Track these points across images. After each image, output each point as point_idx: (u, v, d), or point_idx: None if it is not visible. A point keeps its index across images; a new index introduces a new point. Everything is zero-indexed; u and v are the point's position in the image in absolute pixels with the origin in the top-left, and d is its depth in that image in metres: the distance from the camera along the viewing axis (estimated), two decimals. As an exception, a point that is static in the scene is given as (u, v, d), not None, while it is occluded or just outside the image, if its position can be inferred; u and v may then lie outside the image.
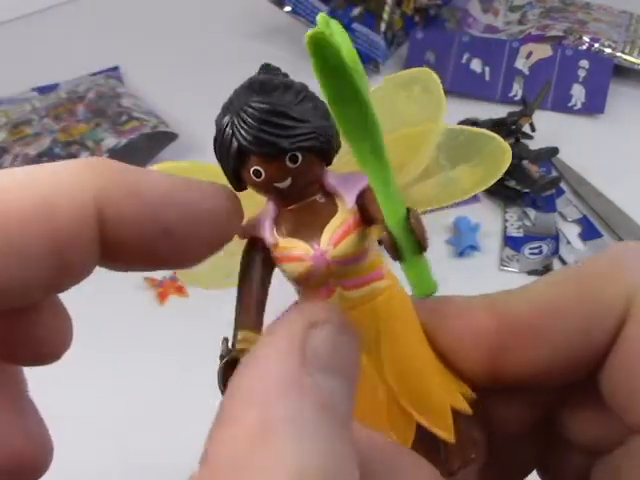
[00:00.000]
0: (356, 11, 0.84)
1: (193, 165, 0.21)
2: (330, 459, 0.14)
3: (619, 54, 0.78)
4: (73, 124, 0.71)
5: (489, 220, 0.62)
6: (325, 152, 0.18)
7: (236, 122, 0.17)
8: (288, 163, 0.17)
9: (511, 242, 0.60)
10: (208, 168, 0.20)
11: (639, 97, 0.77)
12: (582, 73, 0.76)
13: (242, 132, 0.17)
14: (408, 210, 0.17)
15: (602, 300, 0.19)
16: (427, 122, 0.21)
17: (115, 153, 0.66)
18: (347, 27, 0.82)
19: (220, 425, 0.14)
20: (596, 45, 0.79)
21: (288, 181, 0.18)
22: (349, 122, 0.16)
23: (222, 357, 0.18)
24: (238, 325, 0.18)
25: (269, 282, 0.19)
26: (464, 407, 0.20)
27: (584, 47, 0.79)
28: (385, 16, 0.82)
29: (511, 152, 0.21)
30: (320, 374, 0.15)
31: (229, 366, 0.17)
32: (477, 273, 0.58)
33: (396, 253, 0.17)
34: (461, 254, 0.59)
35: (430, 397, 0.20)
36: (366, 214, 0.18)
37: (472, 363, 0.20)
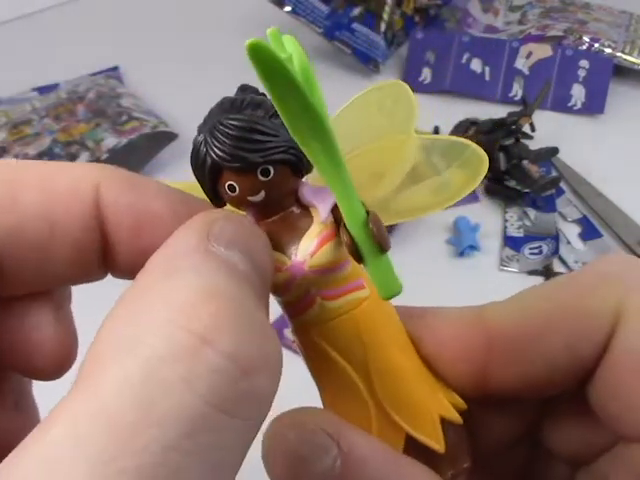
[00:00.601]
0: (356, 11, 0.84)
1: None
2: (238, 297, 0.14)
3: (619, 54, 0.78)
4: (73, 124, 0.71)
5: (489, 220, 0.62)
6: (296, 164, 0.18)
7: (209, 140, 0.18)
8: (260, 177, 0.18)
9: (511, 242, 0.60)
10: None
11: (639, 97, 0.77)
12: (582, 73, 0.76)
13: (214, 149, 0.18)
14: (367, 213, 0.17)
15: (589, 313, 0.19)
16: (399, 134, 0.21)
17: (115, 153, 0.66)
18: (347, 27, 0.83)
19: (137, 277, 0.15)
20: (596, 45, 0.79)
21: (262, 194, 0.18)
22: (297, 125, 0.16)
23: None
24: None
25: None
26: (454, 417, 0.20)
27: (584, 47, 0.79)
28: (385, 16, 0.82)
29: (487, 157, 0.20)
30: (223, 247, 0.15)
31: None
32: (477, 273, 0.58)
33: (357, 255, 0.17)
34: (461, 254, 0.59)
35: (419, 407, 0.20)
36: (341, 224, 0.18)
37: (460, 375, 0.20)
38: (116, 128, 0.69)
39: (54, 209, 0.17)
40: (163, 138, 0.70)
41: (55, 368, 0.19)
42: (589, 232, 0.61)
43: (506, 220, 0.62)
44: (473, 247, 0.59)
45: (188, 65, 0.86)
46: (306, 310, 0.19)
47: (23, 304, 0.18)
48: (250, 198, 0.18)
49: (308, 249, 0.18)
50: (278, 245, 0.18)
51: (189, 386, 0.13)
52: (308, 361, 0.20)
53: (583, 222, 0.62)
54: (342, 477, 0.17)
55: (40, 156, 0.67)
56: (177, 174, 0.64)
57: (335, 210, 0.18)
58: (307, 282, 0.18)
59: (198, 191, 0.19)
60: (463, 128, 0.67)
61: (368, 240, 0.17)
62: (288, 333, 0.53)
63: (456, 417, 0.20)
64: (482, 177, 0.20)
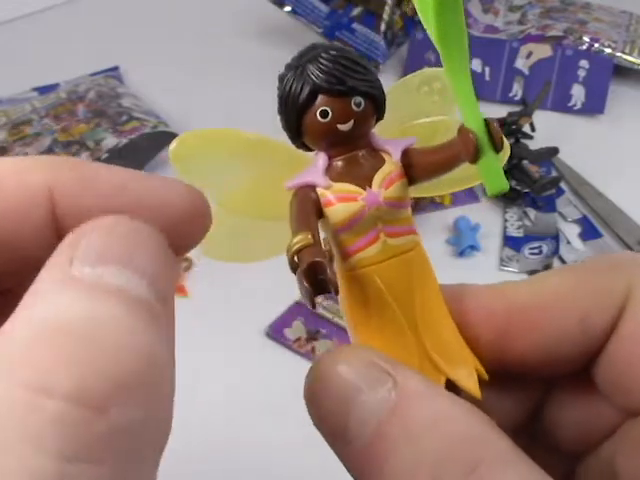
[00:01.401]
0: (356, 11, 0.84)
1: (210, 133, 0.21)
2: (88, 315, 0.13)
3: (619, 54, 0.78)
4: (73, 124, 0.71)
5: (489, 220, 0.62)
6: (381, 105, 0.20)
7: (309, 67, 0.19)
8: (353, 106, 0.19)
9: (511, 242, 0.60)
10: (243, 135, 0.21)
11: (639, 97, 0.77)
12: (582, 73, 0.76)
13: (317, 72, 0.19)
14: (485, 119, 0.19)
15: (603, 287, 0.20)
16: (443, 114, 0.23)
17: (115, 153, 0.66)
18: (347, 27, 0.83)
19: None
20: (596, 45, 0.79)
21: (351, 123, 0.19)
22: (449, 28, 0.18)
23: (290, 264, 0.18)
24: (294, 234, 0.19)
25: (318, 223, 0.20)
26: (483, 373, 0.20)
27: (584, 47, 0.79)
28: (385, 16, 0.82)
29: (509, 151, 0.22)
30: (90, 267, 0.14)
31: (294, 265, 0.18)
32: (477, 273, 0.58)
33: (476, 151, 0.18)
34: (461, 254, 0.59)
35: (459, 355, 0.20)
36: (409, 170, 0.20)
37: (481, 342, 0.21)
38: (116, 128, 0.69)
39: (3, 224, 0.16)
40: (163, 138, 0.70)
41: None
42: (589, 232, 0.61)
43: (506, 220, 0.62)
44: (473, 247, 0.59)
45: (188, 65, 0.86)
46: (369, 246, 0.20)
47: None
48: (340, 126, 0.19)
49: (383, 182, 0.19)
50: (351, 177, 0.19)
51: (32, 445, 0.12)
52: (354, 304, 0.20)
53: (583, 222, 0.62)
54: (395, 410, 0.17)
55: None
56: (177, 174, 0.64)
57: (404, 158, 0.20)
58: (377, 215, 0.19)
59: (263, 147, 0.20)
60: (463, 128, 0.67)
61: (486, 139, 0.18)
62: (289, 333, 0.53)
63: (484, 374, 0.20)
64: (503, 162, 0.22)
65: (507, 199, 0.64)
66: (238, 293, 0.56)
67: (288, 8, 0.83)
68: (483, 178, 0.19)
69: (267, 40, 0.89)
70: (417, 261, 0.20)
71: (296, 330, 0.53)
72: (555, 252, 0.58)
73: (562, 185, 0.65)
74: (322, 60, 0.19)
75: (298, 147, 0.20)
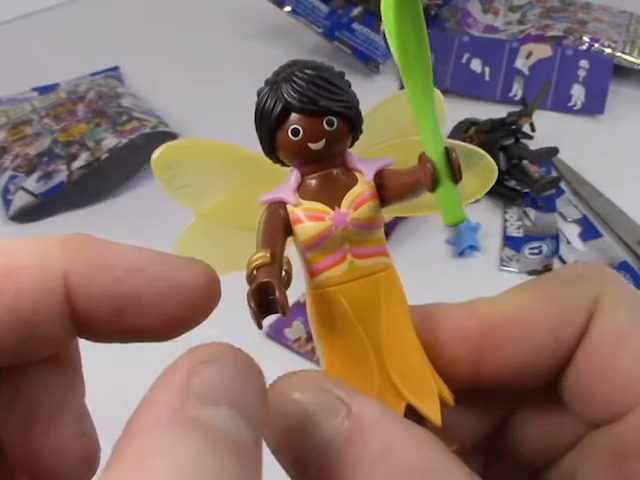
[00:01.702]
0: (356, 11, 0.84)
1: (193, 143, 0.22)
2: (212, 471, 0.14)
3: (619, 54, 0.78)
4: (73, 124, 0.71)
5: (489, 220, 0.62)
6: (356, 126, 0.20)
7: (283, 85, 0.19)
8: (325, 125, 0.19)
9: (511, 242, 0.60)
10: (226, 147, 0.21)
11: (639, 97, 0.77)
12: (582, 73, 0.76)
13: (290, 91, 0.19)
14: (445, 147, 0.19)
15: (571, 300, 0.20)
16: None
17: (115, 153, 0.66)
18: (347, 27, 0.83)
19: (109, 459, 0.15)
20: (596, 45, 0.79)
21: (322, 143, 0.19)
22: (409, 53, 0.18)
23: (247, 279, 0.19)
24: (256, 250, 0.19)
25: (286, 240, 0.20)
26: (449, 398, 0.20)
27: (584, 47, 0.79)
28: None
29: (497, 170, 0.22)
30: (207, 408, 0.15)
31: (250, 285, 0.18)
32: (477, 273, 0.58)
33: (434, 181, 0.18)
34: (461, 254, 0.59)
35: (422, 380, 0.20)
36: (382, 191, 0.20)
37: (454, 363, 0.21)
38: (116, 128, 0.69)
39: (21, 309, 0.16)
40: (163, 138, 0.70)
41: (78, 476, 0.19)
42: (589, 232, 0.61)
43: (506, 220, 0.62)
44: (473, 247, 0.59)
45: (188, 65, 0.86)
46: (334, 266, 0.20)
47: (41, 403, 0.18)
48: (311, 145, 0.19)
49: (353, 202, 0.19)
50: (322, 196, 0.19)
51: None
52: (319, 321, 0.20)
53: (583, 222, 0.62)
54: (349, 440, 0.17)
55: (40, 156, 0.67)
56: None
57: (377, 178, 0.20)
58: (344, 235, 0.19)
59: (208, 149, 0.20)
60: (463, 128, 0.67)
61: (446, 168, 0.18)
62: (289, 333, 0.53)
63: (450, 399, 0.20)
64: (490, 186, 0.22)
65: (507, 199, 0.64)
66: (238, 293, 0.56)
67: (288, 8, 0.83)
68: (440, 207, 0.19)
69: (267, 40, 0.89)
70: (386, 283, 0.20)
71: (296, 330, 0.53)
72: (555, 252, 0.58)
73: (562, 185, 0.65)
74: (296, 79, 0.19)
75: (275, 162, 0.20)
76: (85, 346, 0.19)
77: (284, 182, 0.20)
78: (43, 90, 0.81)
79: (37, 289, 0.16)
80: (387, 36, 0.19)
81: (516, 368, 0.20)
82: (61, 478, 0.18)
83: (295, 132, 0.19)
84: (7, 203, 0.65)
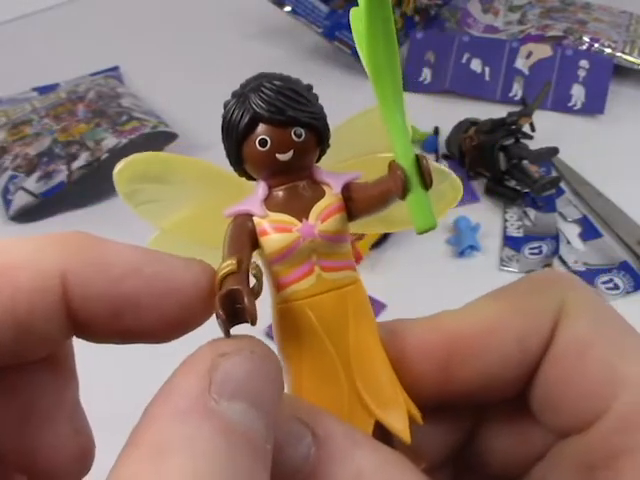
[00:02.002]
0: (356, 11, 0.84)
1: (155, 157, 0.21)
2: (230, 478, 0.14)
3: (619, 54, 0.78)
4: (73, 124, 0.71)
5: (489, 220, 0.62)
6: (323, 138, 0.20)
7: (252, 96, 0.19)
8: (293, 136, 0.19)
9: (511, 242, 0.60)
10: (190, 162, 0.21)
11: (639, 97, 0.77)
12: (582, 73, 0.76)
13: (258, 101, 0.19)
14: (416, 155, 0.19)
15: (536, 309, 0.20)
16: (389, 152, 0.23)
17: (115, 153, 0.66)
18: (347, 27, 0.82)
19: (124, 448, 0.15)
20: (596, 45, 0.79)
21: (290, 153, 0.19)
22: (380, 60, 0.18)
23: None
24: (223, 259, 0.18)
25: (252, 252, 0.19)
26: (418, 416, 0.20)
27: (584, 47, 0.79)
28: None
29: (462, 190, 0.23)
30: (227, 401, 0.15)
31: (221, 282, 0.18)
32: (477, 273, 0.58)
33: (405, 187, 0.18)
34: (461, 254, 0.59)
35: (391, 397, 0.20)
36: (349, 204, 0.20)
37: (421, 378, 0.21)
38: (116, 128, 0.69)
39: (17, 309, 0.16)
40: (163, 138, 0.70)
41: (73, 473, 0.19)
42: (589, 232, 0.61)
43: (506, 220, 0.62)
44: (473, 247, 0.59)
45: (188, 65, 0.86)
46: (302, 279, 0.19)
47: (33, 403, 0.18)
48: (279, 155, 0.19)
49: (320, 214, 0.19)
50: (289, 208, 0.19)
51: None
52: (285, 337, 0.20)
53: (583, 222, 0.62)
54: (316, 467, 0.17)
55: (40, 156, 0.67)
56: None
57: (345, 191, 0.20)
58: (311, 247, 0.19)
59: (184, 166, 0.20)
60: (463, 128, 0.67)
61: (416, 175, 0.18)
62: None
63: (418, 417, 0.20)
64: (453, 206, 0.23)
65: (507, 199, 0.64)
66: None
67: (288, 8, 0.83)
68: (411, 215, 0.18)
69: (267, 40, 0.89)
70: (354, 297, 0.20)
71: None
72: (555, 252, 0.58)
73: (562, 185, 0.65)
74: (264, 89, 0.19)
75: (240, 175, 0.20)
76: (79, 345, 0.19)
77: (250, 195, 0.20)
78: (43, 90, 0.81)
79: (34, 289, 0.16)
80: (356, 43, 0.19)
81: (483, 380, 0.20)
82: (57, 476, 0.18)
83: (263, 143, 0.19)
84: (7, 203, 0.65)
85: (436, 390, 0.21)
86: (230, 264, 0.18)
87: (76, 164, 0.66)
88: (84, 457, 0.19)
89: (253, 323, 0.17)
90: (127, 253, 0.17)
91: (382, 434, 0.19)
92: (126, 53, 0.88)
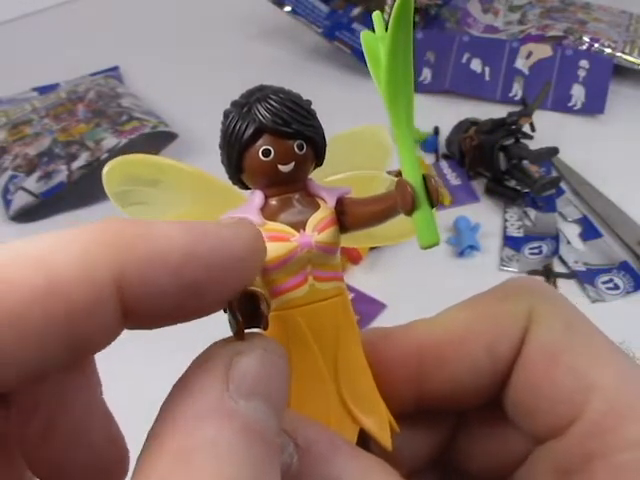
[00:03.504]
0: (356, 11, 0.84)
1: (145, 159, 0.21)
2: (251, 476, 0.14)
3: (619, 54, 0.78)
4: (73, 124, 0.71)
5: (489, 220, 0.62)
6: (322, 152, 0.20)
7: (257, 106, 0.19)
8: (296, 149, 0.19)
9: (511, 242, 0.60)
10: (180, 167, 0.21)
11: (639, 97, 0.77)
12: (582, 73, 0.76)
13: (264, 112, 0.19)
14: (423, 174, 0.19)
15: (505, 317, 0.21)
16: (375, 168, 0.24)
17: (115, 153, 0.66)
18: (347, 27, 0.83)
19: (148, 448, 0.15)
20: (596, 45, 0.79)
21: (291, 165, 0.19)
22: (399, 87, 0.19)
23: None
24: None
25: None
26: (395, 426, 0.21)
27: (584, 47, 0.79)
28: (385, 16, 0.82)
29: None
30: (244, 399, 0.15)
31: None
32: (477, 273, 0.58)
33: (412, 205, 0.19)
34: (461, 254, 0.59)
35: (375, 405, 0.21)
36: (342, 218, 0.20)
37: (397, 385, 0.21)
38: (116, 128, 0.69)
39: (73, 325, 0.14)
40: (163, 138, 0.70)
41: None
42: (589, 232, 0.61)
43: (506, 220, 0.62)
44: (473, 247, 0.59)
45: (188, 65, 0.86)
46: (296, 288, 0.20)
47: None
48: (280, 167, 0.19)
49: (317, 226, 0.20)
50: (285, 218, 0.20)
51: None
52: None
53: (583, 222, 0.62)
54: (300, 475, 0.17)
55: (40, 156, 0.67)
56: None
57: (338, 203, 0.20)
58: (307, 258, 0.20)
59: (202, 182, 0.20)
60: (463, 128, 0.67)
61: (424, 193, 0.19)
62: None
63: (395, 425, 0.21)
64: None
65: (507, 199, 0.64)
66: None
67: (288, 8, 0.83)
68: (417, 230, 0.19)
69: (267, 40, 0.89)
70: (342, 308, 0.20)
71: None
72: (555, 252, 0.58)
73: (562, 185, 0.65)
74: (271, 101, 0.19)
75: (234, 183, 0.20)
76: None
77: (245, 203, 0.20)
78: (43, 90, 0.81)
79: (89, 302, 0.14)
80: (370, 65, 0.19)
81: (455, 387, 0.21)
82: None
83: (266, 153, 0.19)
84: (7, 203, 0.65)
85: (411, 397, 0.21)
86: None
87: (76, 164, 0.66)
88: (121, 466, 0.18)
89: (265, 328, 0.17)
90: (175, 234, 0.16)
91: (361, 442, 0.20)
92: (126, 53, 0.88)
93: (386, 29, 0.19)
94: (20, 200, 0.64)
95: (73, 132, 0.70)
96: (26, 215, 0.65)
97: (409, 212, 0.19)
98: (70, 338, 0.14)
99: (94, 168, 0.65)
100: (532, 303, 0.20)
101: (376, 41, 0.19)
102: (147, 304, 0.15)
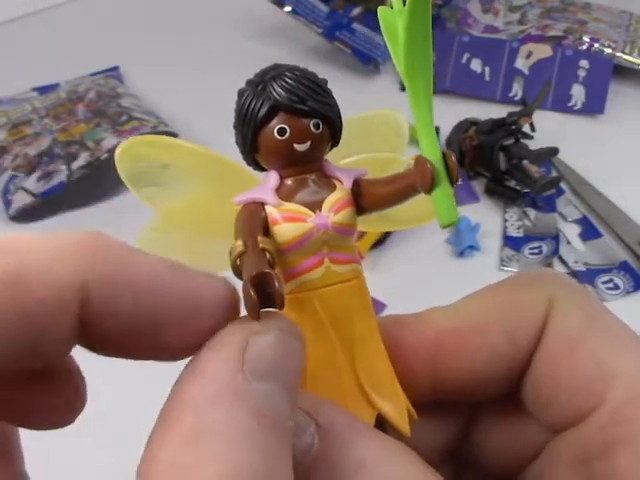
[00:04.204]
0: (356, 11, 0.84)
1: (158, 140, 0.21)
2: (262, 462, 0.14)
3: (619, 54, 0.78)
4: (73, 124, 0.71)
5: (489, 220, 0.62)
6: (338, 131, 0.20)
7: (272, 84, 0.19)
8: (312, 127, 0.19)
9: (511, 242, 0.60)
10: (194, 149, 0.20)
11: (639, 97, 0.77)
12: (582, 73, 0.76)
13: (279, 89, 0.19)
14: (443, 152, 0.19)
15: (524, 305, 0.20)
16: (390, 152, 0.24)
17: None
18: (347, 27, 0.83)
19: (158, 430, 0.15)
20: (596, 45, 0.79)
21: (307, 144, 0.19)
22: (417, 64, 0.18)
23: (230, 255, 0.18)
24: (238, 237, 0.18)
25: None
26: (413, 412, 0.20)
27: (584, 47, 0.79)
28: None
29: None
30: (258, 380, 0.15)
31: (237, 269, 0.17)
32: (477, 273, 0.58)
33: (432, 181, 0.18)
34: (461, 254, 0.59)
35: (393, 391, 0.20)
36: (359, 199, 0.20)
37: (414, 373, 0.21)
38: (116, 128, 0.69)
39: (29, 319, 0.14)
40: (163, 138, 0.70)
41: (69, 415, 0.18)
42: (589, 232, 0.61)
43: (506, 220, 0.62)
44: (473, 247, 0.59)
45: (188, 65, 0.86)
46: (312, 270, 0.19)
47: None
48: (296, 145, 0.19)
49: (333, 207, 0.19)
50: (301, 199, 0.19)
51: None
52: None
53: (583, 222, 0.62)
54: (320, 456, 0.17)
55: (40, 156, 0.67)
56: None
57: (354, 186, 0.20)
58: (323, 239, 0.19)
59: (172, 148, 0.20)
60: (463, 128, 0.67)
61: (443, 170, 0.18)
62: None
63: (413, 411, 0.20)
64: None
65: (507, 199, 0.64)
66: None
67: (288, 8, 0.83)
68: (437, 209, 0.19)
69: (267, 40, 0.89)
70: (359, 292, 0.20)
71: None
72: (555, 252, 0.58)
73: (562, 185, 0.65)
74: (286, 78, 0.19)
75: (249, 164, 0.20)
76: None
77: (260, 184, 0.20)
78: (43, 90, 0.81)
79: (51, 302, 0.15)
80: (388, 41, 0.19)
81: (472, 376, 0.21)
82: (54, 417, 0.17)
83: (281, 132, 0.19)
84: (7, 203, 0.65)
85: (428, 385, 0.21)
86: (247, 242, 0.18)
87: (76, 164, 0.66)
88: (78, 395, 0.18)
89: (281, 307, 0.17)
90: (151, 266, 0.16)
91: (379, 427, 0.20)
92: (126, 53, 0.88)
93: (404, 2, 0.18)
94: (20, 200, 0.64)
95: (73, 132, 0.70)
96: (26, 215, 0.65)
97: (428, 190, 0.18)
98: (29, 334, 0.14)
99: (94, 168, 0.65)
100: (552, 292, 0.20)
101: (394, 16, 0.19)
102: (104, 323, 0.15)
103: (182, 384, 0.15)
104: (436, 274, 0.58)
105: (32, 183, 0.65)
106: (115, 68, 0.85)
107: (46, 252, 0.15)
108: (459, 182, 0.19)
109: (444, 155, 0.19)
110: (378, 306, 0.53)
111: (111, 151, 0.66)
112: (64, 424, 0.18)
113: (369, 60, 0.81)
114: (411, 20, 0.18)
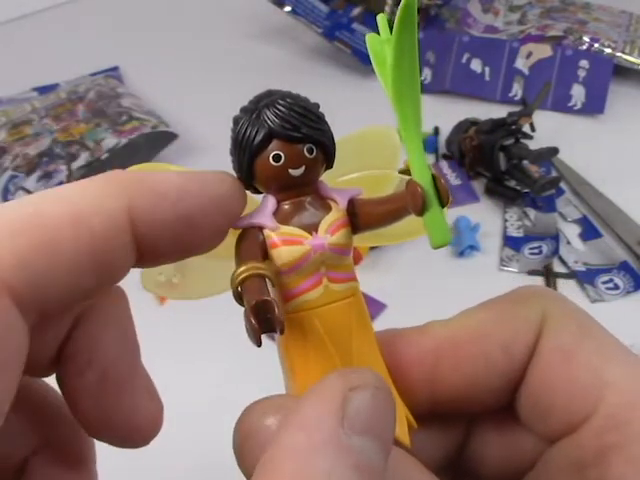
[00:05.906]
0: (356, 11, 0.84)
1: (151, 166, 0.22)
2: None
3: (619, 54, 0.78)
4: (73, 124, 0.71)
5: (489, 220, 0.62)
6: (331, 154, 0.21)
7: (266, 112, 0.19)
8: (305, 152, 0.20)
9: (511, 242, 0.60)
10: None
11: (639, 97, 0.77)
12: (582, 73, 0.76)
13: (272, 117, 0.19)
14: (432, 174, 0.20)
15: (520, 318, 0.21)
16: (385, 168, 0.24)
17: (115, 153, 0.66)
18: (347, 27, 0.83)
19: (262, 473, 0.15)
20: (596, 45, 0.79)
21: (302, 169, 0.20)
22: (404, 85, 0.19)
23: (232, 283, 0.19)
24: (239, 263, 0.19)
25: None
26: (412, 421, 0.21)
27: (584, 47, 0.79)
28: (387, 8, 0.82)
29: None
30: (357, 436, 0.16)
31: (238, 295, 0.19)
32: (477, 273, 0.58)
33: (423, 204, 0.19)
34: (461, 254, 0.59)
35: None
36: (354, 219, 0.20)
37: (413, 385, 0.21)
38: (116, 128, 0.69)
39: (96, 252, 0.17)
40: (163, 138, 0.70)
41: (146, 435, 0.20)
42: (589, 232, 0.61)
43: (506, 220, 0.62)
44: (473, 247, 0.59)
45: (188, 65, 0.86)
46: (311, 290, 0.20)
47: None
48: (291, 171, 0.20)
49: (329, 228, 0.20)
50: (298, 221, 0.20)
51: None
52: (292, 346, 0.21)
53: (583, 222, 0.62)
54: None
55: (40, 156, 0.67)
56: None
57: (350, 204, 0.20)
58: (321, 260, 0.20)
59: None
60: (463, 128, 0.67)
61: (434, 193, 0.19)
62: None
63: (413, 421, 0.21)
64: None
65: (507, 199, 0.64)
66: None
67: (288, 8, 0.83)
68: (428, 230, 0.19)
69: (267, 40, 0.89)
70: (356, 308, 0.21)
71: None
72: (555, 252, 0.58)
73: (562, 185, 0.65)
74: (279, 106, 0.19)
75: (247, 189, 0.21)
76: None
77: (258, 208, 0.20)
78: (43, 90, 0.81)
79: (108, 230, 0.17)
80: (376, 67, 0.20)
81: (470, 388, 0.21)
82: (130, 438, 0.20)
83: (277, 158, 0.19)
84: (7, 203, 0.65)
85: (427, 396, 0.21)
86: (252, 267, 0.18)
87: (76, 164, 0.66)
88: (156, 422, 0.20)
89: (282, 332, 0.18)
90: (172, 179, 0.18)
91: None
92: (126, 53, 0.88)
93: (390, 31, 0.19)
94: (20, 200, 0.64)
95: (73, 132, 0.70)
96: (26, 215, 0.65)
97: (419, 213, 0.19)
98: (94, 264, 0.17)
99: (94, 168, 0.65)
100: (545, 307, 0.21)
101: (381, 44, 0.20)
102: (152, 234, 0.18)
103: (284, 431, 0.16)
104: (436, 274, 0.58)
105: (32, 183, 0.65)
106: (115, 68, 0.85)
107: (91, 191, 0.17)
108: (450, 203, 0.19)
109: (434, 178, 0.19)
110: (378, 306, 0.53)
111: (111, 151, 0.66)
112: (138, 443, 0.20)
113: (369, 60, 0.81)
114: (398, 48, 0.18)
